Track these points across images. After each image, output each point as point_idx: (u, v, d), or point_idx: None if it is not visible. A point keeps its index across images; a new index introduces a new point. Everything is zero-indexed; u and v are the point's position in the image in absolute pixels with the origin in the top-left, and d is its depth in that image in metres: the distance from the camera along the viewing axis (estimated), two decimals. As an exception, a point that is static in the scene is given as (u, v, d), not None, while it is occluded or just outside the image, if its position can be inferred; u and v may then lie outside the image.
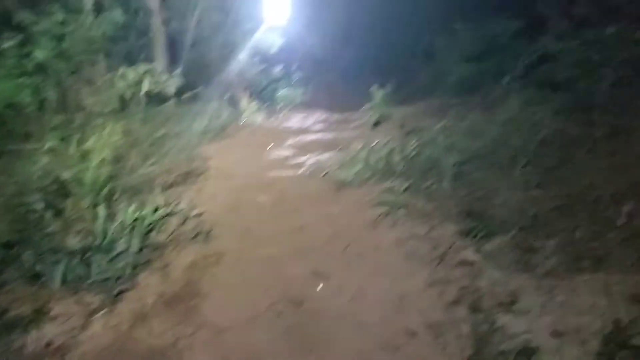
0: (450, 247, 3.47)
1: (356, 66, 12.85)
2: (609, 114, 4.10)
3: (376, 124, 5.73)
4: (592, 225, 3.50)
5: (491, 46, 6.61)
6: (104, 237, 3.48)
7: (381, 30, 13.81)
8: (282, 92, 9.00)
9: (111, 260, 3.29)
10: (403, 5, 14.34)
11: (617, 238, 3.33)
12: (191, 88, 7.71)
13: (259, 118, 7.16)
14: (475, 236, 3.57)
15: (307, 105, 8.84)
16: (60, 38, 6.07)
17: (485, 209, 3.87)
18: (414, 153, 4.79)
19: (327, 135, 6.18)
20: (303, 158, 5.56)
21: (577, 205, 3.66)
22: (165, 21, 7.72)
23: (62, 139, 5.16)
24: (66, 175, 4.14)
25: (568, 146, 4.14)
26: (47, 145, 4.72)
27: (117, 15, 6.54)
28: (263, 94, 8.84)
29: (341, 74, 12.31)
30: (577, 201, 3.68)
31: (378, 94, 5.64)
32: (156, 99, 6.63)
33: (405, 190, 4.35)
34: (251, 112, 7.24)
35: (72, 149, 4.72)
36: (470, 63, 6.51)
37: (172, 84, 6.45)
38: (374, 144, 5.25)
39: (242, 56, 8.63)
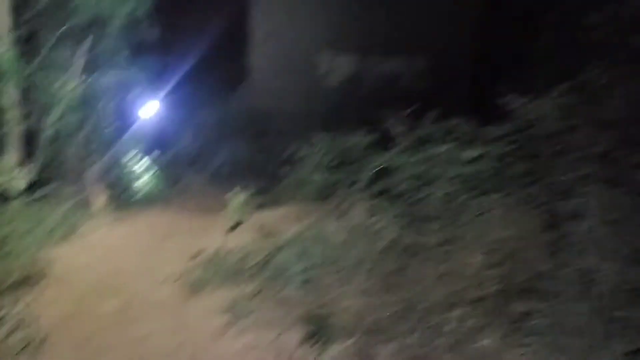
0: (291, 356, 3.51)
1: (228, 167, 13.06)
2: (441, 224, 4.49)
3: (234, 227, 5.79)
4: (425, 331, 3.72)
5: (346, 157, 7.07)
6: None
7: (255, 134, 14.33)
8: (146, 192, 8.86)
9: None
10: (274, 111, 15.14)
11: (445, 343, 3.57)
12: (45, 185, 7.39)
13: (116, 219, 6.94)
14: (317, 342, 3.65)
15: (171, 205, 8.72)
16: None
17: (329, 315, 3.98)
18: (267, 258, 4.86)
19: (185, 239, 6.12)
20: (156, 262, 5.43)
21: (412, 311, 3.88)
22: (25, 115, 7.45)
23: None
24: None
25: (406, 254, 4.43)
26: None
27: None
28: (125, 193, 8.65)
29: (212, 174, 12.39)
30: (413, 307, 3.91)
31: (238, 198, 5.75)
32: (3, 196, 6.26)
33: (255, 296, 4.38)
34: (107, 212, 7.03)
35: None
36: (326, 172, 6.88)
37: (21, 181, 6.12)
38: (230, 248, 5.29)
39: (105, 154, 8.49)
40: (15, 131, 7.31)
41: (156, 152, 11.25)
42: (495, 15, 13.89)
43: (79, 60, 7.81)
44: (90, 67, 8.36)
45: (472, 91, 14.05)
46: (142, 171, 9.33)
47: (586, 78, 4.62)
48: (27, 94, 7.40)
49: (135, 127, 10.19)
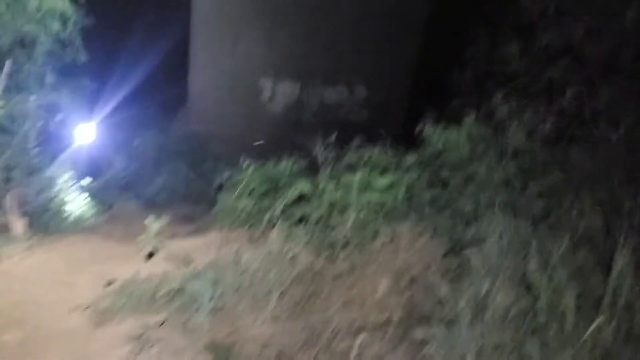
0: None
1: (164, 193, 12.88)
2: (352, 250, 4.53)
3: (150, 255, 5.67)
4: (330, 358, 3.71)
5: (274, 184, 7.08)
6: None
7: (193, 159, 14.22)
8: (72, 219, 8.62)
9: None
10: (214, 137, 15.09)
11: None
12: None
13: (34, 246, 6.70)
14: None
15: (97, 232, 8.50)
16: None
17: (235, 343, 3.93)
18: (180, 286, 4.77)
19: (103, 267, 5.96)
20: (68, 292, 5.26)
21: (318, 337, 3.88)
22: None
23: None
24: None
25: (316, 280, 4.44)
26: None
27: None
28: (49, 219, 8.38)
29: (147, 200, 12.15)
30: (319, 334, 3.90)
31: (154, 225, 5.65)
32: None
33: (163, 324, 4.29)
34: (26, 239, 6.78)
35: None
36: (253, 199, 6.86)
37: None
38: (144, 276, 5.17)
39: (28, 178, 8.23)
40: None
41: (88, 178, 10.99)
42: (430, 49, 14.38)
43: (3, 82, 7.58)
44: (14, 90, 8.14)
45: (407, 122, 14.38)
46: (69, 197, 9.08)
47: (492, 108, 4.80)
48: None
49: (65, 151, 9.94)
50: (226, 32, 14.88)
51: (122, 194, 11.84)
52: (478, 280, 3.54)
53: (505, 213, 3.94)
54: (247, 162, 7.90)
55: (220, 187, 8.75)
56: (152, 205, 11.75)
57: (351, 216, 4.66)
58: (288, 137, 14.28)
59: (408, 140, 6.89)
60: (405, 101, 15.33)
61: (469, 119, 4.93)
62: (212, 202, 10.65)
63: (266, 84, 15.24)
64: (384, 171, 5.29)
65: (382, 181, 4.95)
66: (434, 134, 5.00)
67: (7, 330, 4.43)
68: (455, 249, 4.19)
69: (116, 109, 12.74)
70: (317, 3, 14.74)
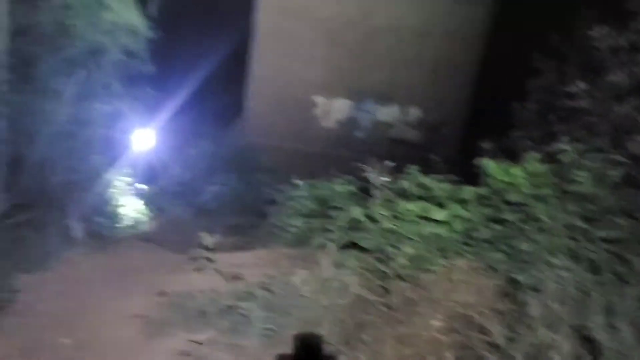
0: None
1: (215, 203, 13.11)
2: (406, 283, 4.50)
3: (200, 269, 5.78)
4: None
5: (326, 204, 7.11)
6: None
7: (244, 171, 14.44)
8: (126, 223, 8.87)
9: None
10: (266, 149, 15.29)
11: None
12: (26, 212, 7.41)
13: (93, 250, 6.93)
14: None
15: (149, 239, 8.73)
16: None
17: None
18: (229, 303, 4.84)
19: (155, 276, 6.10)
20: (122, 299, 5.41)
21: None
22: (9, 141, 7.52)
23: None
24: None
25: (367, 311, 4.44)
26: None
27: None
28: (107, 224, 8.66)
29: (197, 209, 12.41)
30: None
31: (208, 240, 5.76)
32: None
33: (212, 342, 4.36)
34: (85, 243, 7.03)
35: None
36: (305, 218, 6.92)
37: (4, 205, 6.14)
38: (197, 289, 5.27)
39: (91, 183, 8.53)
40: (2, 155, 7.36)
41: (144, 183, 11.32)
42: (489, 75, 14.22)
43: (72, 89, 7.90)
44: (83, 96, 8.49)
45: (462, 149, 14.25)
46: (126, 202, 9.35)
47: (557, 148, 4.72)
48: (19, 119, 7.48)
49: (125, 157, 10.27)
50: (283, 49, 15.10)
51: (174, 201, 12.11)
52: (536, 329, 3.46)
53: (566, 258, 3.85)
54: (298, 180, 8.00)
55: (270, 201, 8.86)
56: (202, 214, 11.99)
57: (406, 247, 4.64)
58: (339, 153, 14.37)
59: (463, 168, 6.83)
60: (460, 126, 15.20)
61: (531, 156, 4.84)
62: (260, 215, 10.81)
63: (320, 101, 15.38)
64: (439, 202, 5.25)
65: (438, 213, 4.90)
66: (493, 168, 4.93)
67: (65, 334, 4.59)
68: (512, 290, 4.12)
69: (174, 118, 13.12)
70: (374, 24, 14.82)
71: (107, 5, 7.46)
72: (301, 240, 6.74)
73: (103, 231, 8.31)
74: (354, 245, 5.32)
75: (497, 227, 4.66)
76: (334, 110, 15.44)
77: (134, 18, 7.55)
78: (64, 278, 5.84)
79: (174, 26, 10.45)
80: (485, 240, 4.62)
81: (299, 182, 7.70)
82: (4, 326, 4.63)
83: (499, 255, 4.39)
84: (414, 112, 15.50)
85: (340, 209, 6.66)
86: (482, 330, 3.85)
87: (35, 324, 4.76)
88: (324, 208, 7.21)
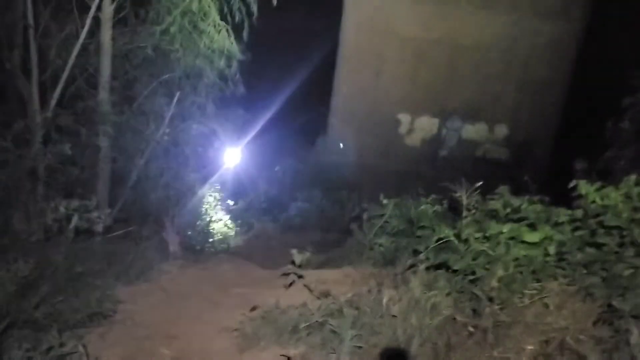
0: None
1: (300, 219, 13.35)
2: (497, 306, 4.41)
3: (290, 285, 5.91)
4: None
5: (412, 223, 7.09)
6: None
7: (329, 188, 14.62)
8: (217, 238, 9.22)
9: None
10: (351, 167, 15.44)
11: None
12: (126, 226, 7.91)
13: (186, 264, 7.27)
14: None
15: (239, 254, 9.02)
16: (2, 165, 6.25)
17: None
18: (319, 320, 4.92)
19: (246, 290, 6.30)
20: (216, 312, 5.62)
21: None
22: (112, 159, 8.06)
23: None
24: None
25: (458, 333, 4.39)
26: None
27: (64, 148, 6.78)
28: (198, 237, 9.06)
29: (282, 225, 12.71)
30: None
31: (297, 257, 5.89)
32: (85, 233, 6.74)
33: (303, 358, 4.45)
34: (179, 257, 7.38)
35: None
36: (391, 237, 6.92)
37: (101, 222, 6.59)
38: (287, 305, 5.39)
39: (185, 199, 8.97)
40: (104, 172, 7.90)
41: (233, 200, 11.72)
42: (581, 92, 13.71)
43: (170, 110, 8.36)
44: (180, 117, 8.98)
45: (551, 168, 13.78)
46: (216, 217, 9.72)
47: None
48: (119, 138, 8.01)
49: (215, 175, 10.71)
50: (369, 67, 15.23)
51: (261, 217, 12.46)
52: (637, 357, 3.31)
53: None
54: (385, 198, 8.01)
55: (355, 219, 8.92)
56: (288, 229, 12.24)
57: (498, 270, 4.55)
58: (424, 172, 14.26)
59: (553, 188, 6.60)
60: (550, 145, 14.71)
61: (629, 178, 4.63)
62: (346, 232, 10.89)
63: (405, 118, 15.36)
64: (532, 224, 5.11)
65: (531, 236, 4.77)
66: (588, 190, 4.76)
67: (164, 344, 4.83)
68: (609, 317, 3.95)
69: (262, 136, 13.52)
70: (460, 42, 14.68)
71: (203, 31, 7.87)
72: (388, 260, 6.75)
73: (196, 245, 8.71)
74: (443, 266, 5.27)
75: (593, 251, 4.48)
76: (419, 128, 15.37)
77: (228, 43, 7.91)
78: (161, 290, 6.15)
79: (262, 47, 10.80)
80: (581, 264, 4.45)
81: (385, 201, 7.72)
82: (107, 335, 4.93)
83: (596, 280, 4.22)
84: (501, 130, 15.16)
85: (428, 228, 6.63)
86: (579, 356, 3.71)
87: (136, 334, 5.04)
88: (412, 227, 7.19)
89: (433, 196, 7.60)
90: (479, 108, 15.07)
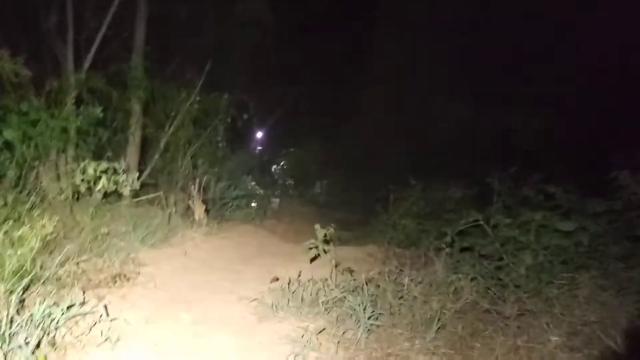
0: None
1: (325, 198, 13.33)
2: (524, 295, 4.31)
3: (314, 259, 5.87)
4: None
5: (439, 207, 7.02)
6: (6, 329, 3.44)
7: (358, 169, 14.53)
8: (242, 211, 9.21)
9: (4, 353, 3.24)
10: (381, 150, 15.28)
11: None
12: (153, 191, 7.94)
13: (210, 232, 7.27)
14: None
15: (263, 226, 9.01)
16: (33, 123, 6.29)
17: (391, 370, 3.93)
18: (339, 296, 4.87)
19: (267, 262, 6.29)
20: (237, 281, 5.62)
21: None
22: (143, 125, 8.09)
23: (4, 220, 5.26)
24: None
25: (481, 319, 4.29)
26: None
27: (96, 111, 6.80)
28: (224, 208, 9.07)
29: (307, 202, 12.67)
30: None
31: (320, 232, 5.83)
32: (113, 195, 6.77)
33: (321, 332, 4.40)
34: (204, 224, 7.38)
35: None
36: (416, 219, 6.84)
37: (129, 186, 6.60)
38: (307, 279, 5.36)
39: (212, 168, 8.98)
40: (135, 137, 7.93)
41: (258, 174, 11.71)
42: (622, 81, 13.22)
43: (201, 79, 8.33)
44: (210, 87, 8.95)
45: (588, 158, 13.40)
46: (242, 189, 9.71)
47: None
48: (150, 104, 8.02)
49: (252, 146, 10.71)
50: (403, 51, 15.00)
51: (287, 192, 12.43)
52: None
53: None
54: (414, 181, 7.91)
55: (381, 199, 8.84)
56: (312, 206, 12.21)
57: (527, 258, 4.43)
58: (457, 157, 14.04)
59: (590, 178, 6.42)
60: (587, 134, 14.30)
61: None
62: (371, 212, 10.82)
63: (440, 104, 15.11)
64: (566, 213, 4.97)
65: (565, 225, 4.64)
66: (630, 182, 4.59)
67: (184, 309, 4.84)
68: (644, 314, 3.82)
69: (293, 111, 13.45)
70: (497, 27, 14.30)
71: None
72: (413, 240, 6.68)
73: (221, 215, 8.74)
74: (469, 251, 5.17)
75: (629, 244, 4.33)
76: (453, 114, 15.10)
77: (265, 15, 7.84)
78: (184, 256, 6.16)
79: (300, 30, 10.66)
80: (615, 257, 4.31)
81: (414, 182, 7.63)
82: (128, 296, 4.96)
83: (632, 274, 4.08)
84: (538, 119, 14.79)
85: (455, 212, 6.52)
86: (607, 351, 3.59)
87: (157, 297, 5.05)
88: (439, 210, 7.10)
89: (464, 181, 7.49)
90: (514, 95, 14.71)
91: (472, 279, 4.70)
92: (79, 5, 7.38)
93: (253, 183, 10.67)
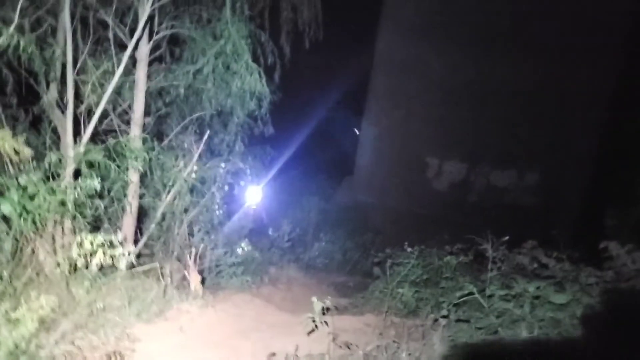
0: None
1: (322, 261, 13.27)
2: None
3: (311, 332, 5.82)
4: None
5: (436, 274, 7.03)
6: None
7: (353, 229, 14.53)
8: (238, 279, 9.16)
9: None
10: (376, 208, 15.36)
11: None
12: (149, 261, 7.94)
13: (206, 304, 7.21)
14: None
15: (260, 295, 8.95)
16: (31, 197, 6.33)
17: None
18: (337, 373, 4.83)
19: (265, 336, 6.23)
20: (232, 357, 5.56)
21: None
22: (140, 195, 8.15)
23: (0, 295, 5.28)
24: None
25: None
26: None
27: (93, 183, 6.85)
28: (220, 277, 9.03)
29: (304, 265, 12.60)
30: None
31: (317, 305, 5.80)
32: (109, 268, 6.75)
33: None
34: (200, 295, 7.33)
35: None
36: (413, 288, 6.83)
37: (124, 259, 6.60)
38: (305, 354, 5.31)
39: (208, 237, 8.98)
40: (132, 207, 7.98)
41: (256, 239, 11.70)
42: (614, 140, 13.47)
43: (199, 148, 8.46)
44: (208, 155, 9.09)
45: (583, 216, 13.49)
46: (238, 255, 9.68)
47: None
48: (147, 174, 8.10)
49: (239, 213, 10.75)
50: (397, 110, 15.30)
51: (283, 256, 12.37)
52: None
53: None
54: (409, 247, 7.93)
55: (378, 263, 8.84)
56: (310, 271, 12.16)
57: (523, 331, 4.42)
58: (451, 217, 14.10)
59: (584, 239, 6.46)
60: (582, 194, 14.42)
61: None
62: (368, 276, 10.79)
63: (433, 162, 15.29)
64: (559, 283, 4.99)
65: (558, 297, 4.65)
66: (619, 253, 4.64)
67: (179, 389, 4.78)
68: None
69: (287, 174, 13.58)
70: (491, 86, 14.64)
71: (236, 72, 8.00)
72: (411, 310, 6.66)
73: (217, 283, 8.69)
74: (466, 322, 5.16)
75: (621, 316, 4.34)
76: (447, 172, 15.27)
77: (260, 85, 8.02)
78: (180, 331, 6.11)
79: (289, 86, 10.91)
80: (605, 327, 4.31)
81: (409, 249, 7.65)
82: (125, 374, 4.92)
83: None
84: (532, 177, 14.97)
85: (452, 279, 6.55)
86: None
87: (151, 376, 5.01)
88: (435, 276, 7.11)
89: (458, 245, 7.53)
90: (509, 153, 14.92)
91: (470, 352, 4.68)
92: (79, 78, 7.55)
93: (249, 247, 10.63)
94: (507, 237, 6.12)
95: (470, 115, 14.97)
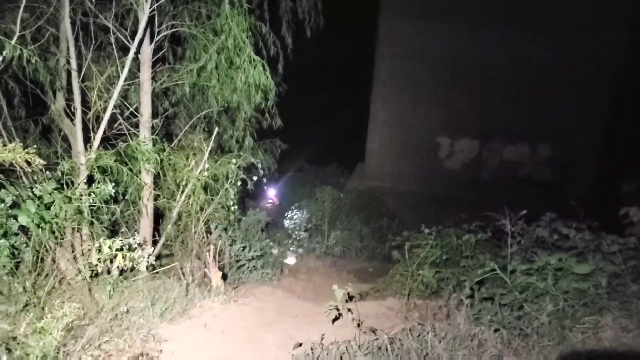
0: None
1: (340, 248, 13.27)
2: (545, 343, 4.24)
3: (335, 319, 5.82)
4: None
5: (454, 254, 6.98)
6: None
7: (369, 215, 14.51)
8: (258, 272, 9.21)
9: None
10: (390, 193, 15.31)
11: None
12: (169, 262, 7.99)
13: (229, 299, 7.25)
14: None
15: (280, 287, 8.98)
16: (48, 206, 6.39)
17: None
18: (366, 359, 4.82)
19: (289, 326, 6.24)
20: (259, 350, 5.58)
21: None
22: (155, 196, 8.18)
23: (25, 306, 5.33)
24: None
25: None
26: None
27: (107, 189, 6.89)
28: (240, 272, 9.07)
29: (323, 254, 12.61)
30: None
31: (339, 292, 5.80)
32: (130, 271, 6.81)
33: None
34: (221, 291, 7.37)
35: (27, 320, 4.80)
36: (433, 268, 6.80)
37: (144, 261, 6.66)
38: (330, 342, 5.31)
39: (224, 233, 9.01)
40: (148, 209, 8.01)
41: (273, 231, 11.73)
42: (630, 109, 13.31)
43: (209, 146, 8.45)
44: (218, 151, 9.09)
45: (597, 187, 13.38)
46: (257, 249, 9.70)
47: None
48: (160, 176, 8.13)
49: (256, 206, 10.76)
50: (406, 92, 15.20)
51: (301, 247, 12.40)
52: None
53: None
54: (426, 228, 7.88)
55: (396, 247, 8.80)
56: (328, 260, 12.16)
57: (547, 305, 4.39)
58: (466, 195, 14.03)
59: (600, 209, 6.37)
60: (595, 163, 14.28)
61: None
62: (387, 260, 10.76)
63: (444, 141, 15.21)
64: (581, 253, 4.94)
65: (581, 267, 4.60)
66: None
67: (208, 384, 4.81)
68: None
69: (300, 165, 13.58)
70: (499, 62, 14.50)
71: (239, 66, 7.96)
72: (433, 291, 6.64)
73: (236, 278, 8.73)
74: (489, 299, 5.13)
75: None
76: (458, 151, 15.18)
77: (264, 77, 7.97)
78: (204, 328, 6.14)
79: (298, 76, 10.86)
80: (636, 297, 4.26)
81: (427, 231, 7.61)
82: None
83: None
84: (544, 150, 14.83)
85: (472, 257, 6.50)
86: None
87: (180, 374, 5.04)
88: (455, 257, 7.07)
89: (476, 223, 7.48)
90: (520, 128, 14.81)
91: (495, 330, 4.66)
92: (85, 85, 7.57)
93: (267, 241, 10.64)
94: (524, 212, 6.05)
95: (479, 93, 14.87)
